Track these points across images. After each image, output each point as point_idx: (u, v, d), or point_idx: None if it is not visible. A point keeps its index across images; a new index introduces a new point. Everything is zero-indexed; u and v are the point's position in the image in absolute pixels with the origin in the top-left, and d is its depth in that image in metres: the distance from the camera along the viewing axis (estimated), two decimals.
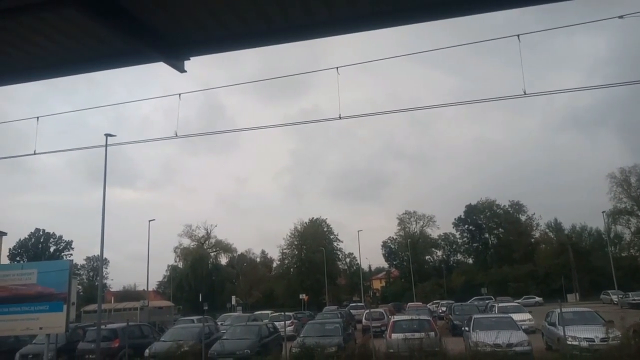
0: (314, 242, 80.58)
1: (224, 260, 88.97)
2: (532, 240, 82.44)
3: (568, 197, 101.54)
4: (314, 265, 78.08)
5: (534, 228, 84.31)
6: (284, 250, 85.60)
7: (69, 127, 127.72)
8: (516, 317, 20.92)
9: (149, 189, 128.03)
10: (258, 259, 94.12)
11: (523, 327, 19.78)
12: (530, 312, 28.68)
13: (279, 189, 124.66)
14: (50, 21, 5.05)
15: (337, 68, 8.49)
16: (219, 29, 5.21)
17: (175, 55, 5.51)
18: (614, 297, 48.80)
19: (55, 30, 5.21)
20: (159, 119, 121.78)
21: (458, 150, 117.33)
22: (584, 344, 15.14)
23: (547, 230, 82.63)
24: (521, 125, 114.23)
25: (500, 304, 31.76)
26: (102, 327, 20.50)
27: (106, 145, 20.78)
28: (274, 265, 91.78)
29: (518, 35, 7.97)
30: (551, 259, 72.78)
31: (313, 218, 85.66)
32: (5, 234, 40.16)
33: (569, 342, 15.21)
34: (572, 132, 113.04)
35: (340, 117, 8.45)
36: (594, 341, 15.23)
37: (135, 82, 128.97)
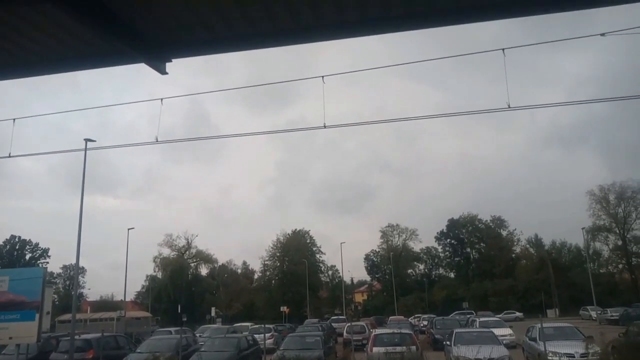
0: (296, 253, 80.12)
1: (204, 271, 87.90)
2: (513, 255, 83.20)
3: (549, 214, 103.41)
4: (295, 277, 77.56)
5: (515, 243, 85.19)
6: (266, 262, 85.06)
7: (51, 132, 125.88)
8: (497, 331, 20.98)
9: (131, 196, 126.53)
10: (239, 270, 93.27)
11: (504, 341, 19.79)
12: (511, 326, 28.77)
13: (263, 200, 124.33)
14: (28, 18, 4.88)
15: (322, 77, 8.45)
16: (202, 31, 5.09)
17: (157, 57, 5.37)
18: (593, 313, 49.31)
19: (33, 28, 5.04)
20: (143, 125, 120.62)
21: (443, 165, 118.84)
22: (565, 359, 15.20)
23: (528, 246, 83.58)
24: (505, 141, 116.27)
25: (482, 319, 31.83)
26: (76, 337, 19.92)
27: (85, 150, 20.38)
28: (256, 276, 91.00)
29: (503, 49, 8.03)
30: (531, 274, 73.54)
31: (296, 229, 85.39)
32: None
33: (549, 358, 15.24)
34: (554, 149, 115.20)
35: (325, 126, 8.37)
36: (574, 356, 15.33)
37: (120, 89, 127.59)
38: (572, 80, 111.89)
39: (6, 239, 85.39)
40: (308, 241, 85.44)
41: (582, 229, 60.29)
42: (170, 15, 4.85)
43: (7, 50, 5.44)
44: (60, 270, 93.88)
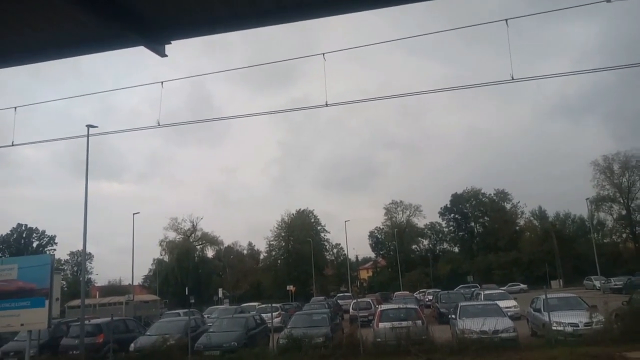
0: (301, 233, 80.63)
1: (210, 253, 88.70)
2: (517, 228, 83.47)
3: (553, 185, 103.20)
4: (301, 257, 78.18)
5: (519, 216, 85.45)
6: (271, 242, 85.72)
7: (54, 118, 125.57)
8: (502, 304, 21.14)
9: (135, 181, 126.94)
10: (245, 251, 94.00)
11: (509, 313, 19.97)
12: (515, 298, 29.01)
13: (267, 180, 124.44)
14: (27, 4, 4.81)
15: (323, 54, 8.36)
16: (201, 11, 5.01)
17: (156, 39, 5.31)
18: (597, 283, 49.66)
19: (32, 15, 4.98)
20: (145, 109, 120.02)
21: (448, 139, 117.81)
22: (569, 329, 15.39)
23: (532, 218, 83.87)
24: (511, 113, 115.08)
25: (486, 292, 32.08)
26: (86, 322, 20.20)
27: (88, 136, 20.34)
28: (261, 257, 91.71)
29: (506, 20, 7.91)
30: (535, 246, 73.87)
31: (300, 209, 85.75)
32: None
33: (554, 328, 15.40)
34: (561, 120, 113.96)
35: (327, 105, 8.31)
36: (578, 326, 15.48)
37: (122, 73, 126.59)
38: (579, 49, 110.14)
39: (13, 228, 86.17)
40: (312, 220, 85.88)
41: (586, 199, 60.30)
42: None
43: (7, 38, 5.39)
44: (68, 257, 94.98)
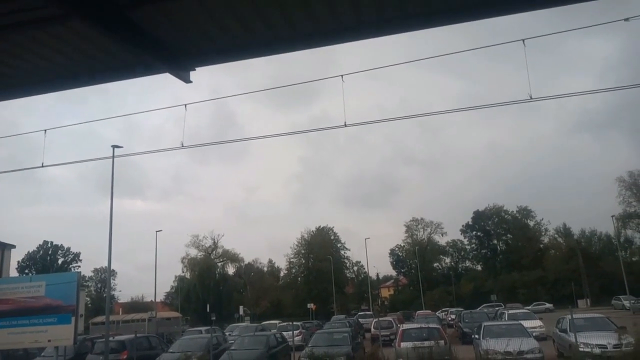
0: (321, 250, 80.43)
1: (231, 270, 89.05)
2: (541, 245, 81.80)
3: (577, 202, 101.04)
4: (321, 274, 77.85)
5: (543, 233, 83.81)
6: (291, 259, 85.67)
7: (80, 138, 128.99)
8: (526, 324, 20.74)
9: (158, 199, 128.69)
10: (265, 268, 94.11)
11: (534, 334, 19.54)
12: (540, 318, 28.37)
13: (288, 197, 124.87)
14: (57, 34, 5.09)
15: (342, 76, 8.51)
16: (224, 39, 5.22)
17: (181, 66, 5.53)
18: (626, 303, 48.20)
19: (63, 44, 5.25)
20: (169, 128, 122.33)
21: (468, 155, 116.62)
22: (597, 350, 14.95)
23: (556, 236, 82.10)
24: (533, 129, 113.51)
25: (510, 311, 31.43)
26: (110, 338, 20.47)
27: (113, 157, 20.89)
28: (282, 274, 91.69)
29: (523, 40, 7.96)
30: (561, 264, 72.15)
31: (320, 226, 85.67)
32: (14, 246, 40.37)
33: (581, 349, 15.01)
34: (583, 135, 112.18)
35: (345, 125, 8.43)
36: (607, 348, 15.02)
37: (146, 92, 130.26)
38: (602, 64, 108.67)
39: (39, 245, 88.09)
40: (332, 237, 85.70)
41: (612, 216, 58.95)
42: (193, 25, 4.99)
43: (40, 66, 5.68)
44: (92, 274, 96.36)
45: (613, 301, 54.21)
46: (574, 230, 79.04)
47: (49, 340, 14.93)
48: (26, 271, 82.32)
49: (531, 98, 8.01)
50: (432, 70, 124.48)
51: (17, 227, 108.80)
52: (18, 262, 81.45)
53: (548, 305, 59.53)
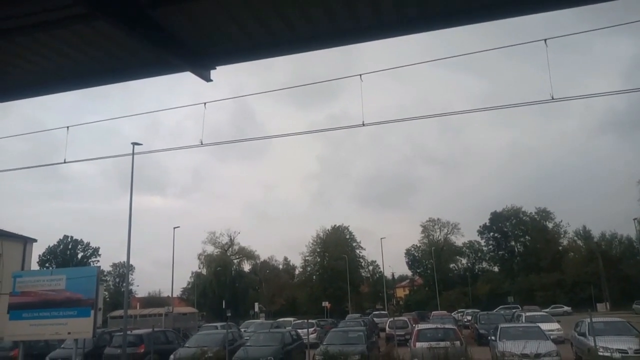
0: (336, 249, 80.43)
1: (247, 267, 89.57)
2: (560, 248, 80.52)
3: (598, 204, 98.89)
4: (336, 273, 77.84)
5: (562, 236, 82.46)
6: (307, 258, 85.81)
7: (102, 135, 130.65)
8: (544, 326, 20.45)
9: (177, 196, 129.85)
10: (281, 266, 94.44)
11: (551, 337, 19.28)
12: (558, 321, 27.96)
13: (305, 195, 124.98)
14: (81, 33, 5.20)
15: (360, 75, 8.49)
16: (244, 38, 5.27)
17: (202, 65, 5.61)
18: None
19: (86, 43, 5.37)
20: (189, 124, 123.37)
21: (488, 155, 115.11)
22: (617, 355, 14.66)
23: (576, 238, 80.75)
24: (555, 129, 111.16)
25: (528, 313, 31.03)
26: (128, 332, 20.79)
27: (133, 154, 21.15)
28: (297, 272, 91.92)
29: (545, 40, 7.85)
30: (580, 267, 70.98)
31: (335, 225, 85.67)
32: (35, 240, 41.16)
33: (600, 353, 14.75)
34: (609, 136, 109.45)
35: (364, 124, 8.43)
36: (627, 352, 14.74)
37: (167, 89, 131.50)
38: (629, 64, 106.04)
39: (60, 239, 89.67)
40: (348, 237, 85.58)
41: (634, 219, 57.63)
42: (213, 25, 5.05)
43: (63, 65, 5.80)
44: (110, 268, 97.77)
45: (634, 305, 53.15)
46: (594, 233, 77.72)
47: (69, 333, 15.25)
48: (47, 265, 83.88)
49: (552, 98, 7.90)
50: (453, 69, 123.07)
51: (39, 221, 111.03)
52: (39, 255, 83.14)
53: (566, 308, 58.64)
